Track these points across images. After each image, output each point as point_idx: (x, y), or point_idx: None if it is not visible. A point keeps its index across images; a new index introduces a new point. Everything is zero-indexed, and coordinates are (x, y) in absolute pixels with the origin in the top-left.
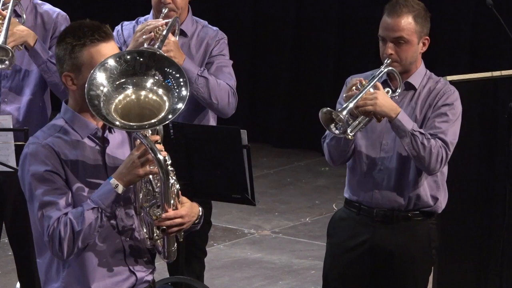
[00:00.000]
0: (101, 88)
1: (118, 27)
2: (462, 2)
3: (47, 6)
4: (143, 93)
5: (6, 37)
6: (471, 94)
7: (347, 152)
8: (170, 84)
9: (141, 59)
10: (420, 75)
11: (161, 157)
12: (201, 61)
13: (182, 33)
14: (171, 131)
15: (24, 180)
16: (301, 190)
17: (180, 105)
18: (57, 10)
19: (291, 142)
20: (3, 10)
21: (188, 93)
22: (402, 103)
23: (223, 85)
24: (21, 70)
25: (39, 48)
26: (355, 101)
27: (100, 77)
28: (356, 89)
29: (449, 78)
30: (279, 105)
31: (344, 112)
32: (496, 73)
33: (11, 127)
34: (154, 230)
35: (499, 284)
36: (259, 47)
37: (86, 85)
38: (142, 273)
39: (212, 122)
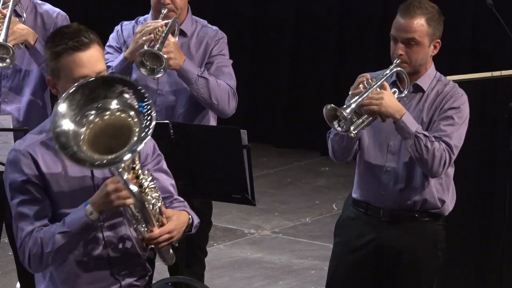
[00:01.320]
0: (67, 123)
1: (117, 27)
2: (462, 2)
3: (47, 6)
4: (108, 119)
5: (6, 35)
6: (471, 94)
7: (350, 150)
8: (136, 103)
9: (99, 85)
10: (429, 77)
11: (134, 188)
12: (200, 61)
13: (182, 33)
14: (171, 131)
15: (6, 187)
16: (301, 190)
17: (146, 135)
18: (57, 10)
19: (291, 142)
20: (3, 9)
21: (153, 113)
22: (409, 105)
23: (223, 86)
24: (21, 70)
25: (39, 47)
26: (360, 99)
27: (63, 111)
28: (363, 87)
29: (449, 78)
30: (279, 105)
31: (348, 110)
32: (496, 73)
33: (11, 127)
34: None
35: (499, 284)
36: (259, 47)
37: (51, 122)
38: (128, 279)
39: (213, 122)
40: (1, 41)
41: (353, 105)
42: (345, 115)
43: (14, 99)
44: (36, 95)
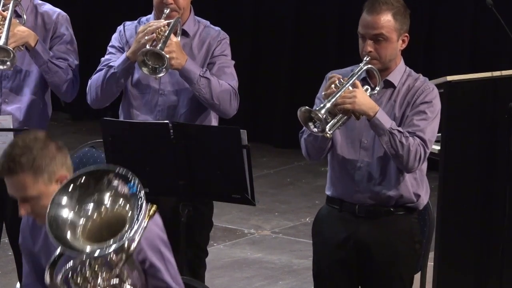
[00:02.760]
0: (65, 212)
1: (120, 27)
2: (462, 2)
3: (48, 6)
4: (105, 215)
5: (7, 38)
6: (471, 94)
7: (324, 149)
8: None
9: (89, 180)
10: (399, 72)
11: None
12: (203, 61)
13: (184, 33)
14: (171, 131)
15: None
16: (301, 190)
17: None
18: (58, 10)
19: (291, 142)
20: (3, 11)
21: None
22: (381, 101)
23: (225, 86)
24: (21, 70)
25: (40, 49)
26: (333, 99)
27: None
28: (335, 87)
29: (449, 78)
30: (279, 105)
31: (323, 111)
32: (496, 73)
33: (11, 127)
34: None
35: (499, 284)
36: (259, 47)
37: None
38: None
39: (214, 122)
40: (2, 44)
41: (327, 105)
42: (320, 116)
43: (15, 99)
44: (36, 95)
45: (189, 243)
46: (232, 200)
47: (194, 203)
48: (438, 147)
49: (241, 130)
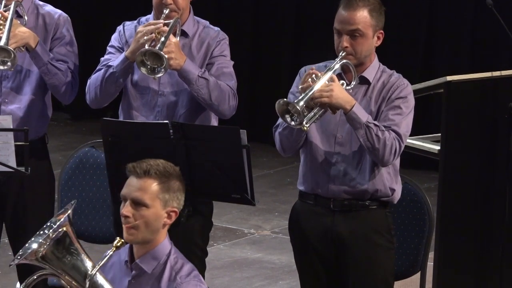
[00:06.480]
0: None
1: (119, 27)
2: (462, 2)
3: (49, 7)
4: None
5: (8, 39)
6: (471, 94)
7: (299, 143)
8: None
9: None
10: (374, 69)
11: None
12: (202, 62)
13: (183, 34)
14: (171, 131)
15: None
16: None
17: None
18: (59, 11)
19: None
20: (5, 11)
21: None
22: (356, 97)
23: (223, 87)
24: (22, 70)
25: (40, 50)
26: (311, 92)
27: None
28: (311, 80)
29: (449, 78)
30: None
31: (301, 104)
32: (496, 73)
33: (11, 127)
34: None
35: (499, 284)
36: (259, 47)
37: None
38: None
39: (214, 122)
40: (3, 44)
41: (305, 99)
42: (298, 108)
43: (15, 99)
44: (37, 95)
45: (189, 243)
46: (232, 200)
47: (194, 203)
48: (438, 147)
49: (241, 130)
